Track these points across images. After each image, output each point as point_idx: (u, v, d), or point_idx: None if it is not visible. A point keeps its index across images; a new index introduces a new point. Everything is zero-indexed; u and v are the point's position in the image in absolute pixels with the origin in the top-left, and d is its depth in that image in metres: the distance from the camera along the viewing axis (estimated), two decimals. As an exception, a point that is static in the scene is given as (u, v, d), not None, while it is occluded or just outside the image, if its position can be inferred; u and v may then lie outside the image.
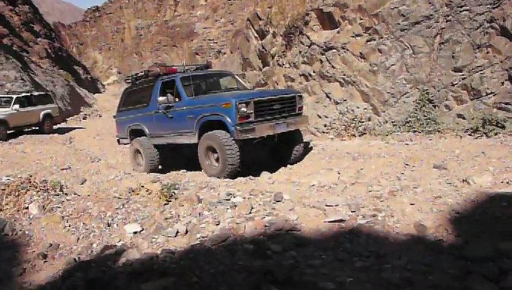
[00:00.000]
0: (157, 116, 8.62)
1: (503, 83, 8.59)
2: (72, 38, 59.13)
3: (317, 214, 4.07)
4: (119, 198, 5.39)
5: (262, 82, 13.52)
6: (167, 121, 8.34)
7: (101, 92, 39.81)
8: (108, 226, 4.62)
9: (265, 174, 7.22)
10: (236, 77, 9.80)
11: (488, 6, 8.86)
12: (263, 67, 13.86)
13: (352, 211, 4.00)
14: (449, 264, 3.01)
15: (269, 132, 7.30)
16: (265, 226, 3.89)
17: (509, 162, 6.36)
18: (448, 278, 2.84)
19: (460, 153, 7.04)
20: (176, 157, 9.78)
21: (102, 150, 13.04)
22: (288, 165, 7.97)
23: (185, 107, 7.89)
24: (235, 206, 4.54)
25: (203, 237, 3.92)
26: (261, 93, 8.17)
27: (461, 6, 9.18)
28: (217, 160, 7.28)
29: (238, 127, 6.90)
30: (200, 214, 4.46)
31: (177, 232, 4.16)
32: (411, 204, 4.05)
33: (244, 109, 6.97)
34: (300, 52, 11.96)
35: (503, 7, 8.63)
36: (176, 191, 5.29)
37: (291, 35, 12.21)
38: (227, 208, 4.49)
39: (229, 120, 6.95)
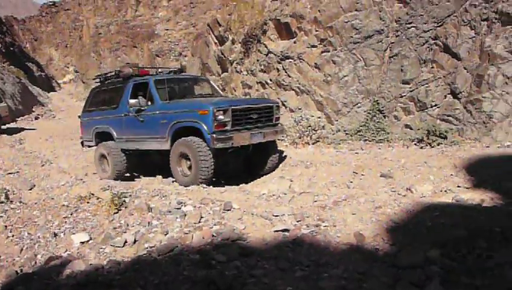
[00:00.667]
0: (127, 120, 8.25)
1: (445, 96, 9.14)
2: (25, 33, 56.79)
3: (264, 223, 4.21)
4: (67, 206, 5.32)
5: (221, 88, 13.61)
6: (138, 125, 7.98)
7: (56, 91, 38.45)
8: (55, 236, 4.56)
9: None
10: (211, 82, 9.59)
11: (433, 24, 9.40)
12: (222, 73, 13.97)
13: (297, 221, 4.17)
14: (382, 272, 3.22)
15: (246, 141, 7.08)
16: (213, 235, 3.98)
17: (448, 171, 6.78)
18: (380, 285, 3.04)
19: (405, 163, 7.41)
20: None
21: (54, 153, 12.62)
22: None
23: (157, 112, 7.57)
24: (185, 215, 4.61)
25: (150, 247, 3.96)
26: (238, 101, 7.97)
27: (409, 23, 9.69)
28: (190, 168, 7.03)
29: (214, 135, 6.67)
30: (149, 223, 4.50)
31: (125, 242, 4.18)
32: (353, 214, 4.27)
33: (222, 117, 6.76)
34: (258, 60, 12.17)
35: (446, 26, 9.21)
36: (126, 200, 5.28)
37: (250, 43, 12.40)
38: (177, 217, 4.55)
39: (205, 127, 6.72)
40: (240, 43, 13.00)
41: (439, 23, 9.44)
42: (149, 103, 7.83)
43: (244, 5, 12.97)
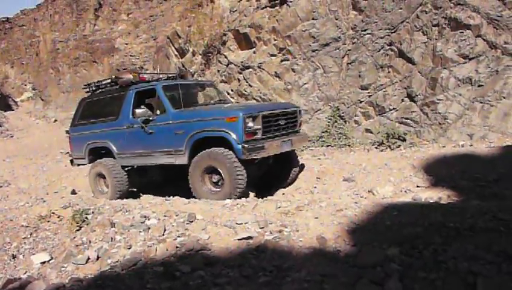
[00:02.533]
0: (131, 132, 7.39)
1: (402, 100, 9.49)
2: (-22, 51, 54.63)
3: (228, 232, 4.22)
4: (27, 227, 5.15)
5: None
6: (145, 137, 7.14)
7: (13, 110, 37.14)
8: (14, 258, 4.41)
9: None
10: (218, 88, 9.03)
11: (388, 31, 9.77)
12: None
13: (260, 228, 4.20)
14: (343, 273, 3.28)
15: (277, 150, 6.53)
16: (177, 247, 3.96)
17: (407, 172, 7.02)
18: (341, 285, 3.10)
19: (366, 166, 7.62)
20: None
21: (13, 174, 12.19)
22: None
23: (170, 121, 6.78)
24: (149, 228, 4.56)
25: (114, 262, 3.90)
26: (266, 106, 7.32)
27: (365, 30, 10.02)
28: (217, 183, 6.37)
29: (245, 145, 6.01)
30: (112, 238, 4.42)
31: (88, 258, 4.09)
32: (315, 218, 4.35)
33: (252, 124, 6.13)
34: (218, 71, 12.24)
35: (400, 32, 9.59)
36: (88, 217, 5.17)
37: (210, 55, 12.47)
38: (141, 231, 4.50)
39: (234, 136, 6.03)
40: (200, 54, 13.05)
41: (393, 30, 9.81)
42: (158, 112, 7.09)
43: (203, 17, 13.06)
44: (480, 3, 8.97)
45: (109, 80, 8.27)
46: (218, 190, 6.34)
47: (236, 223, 4.34)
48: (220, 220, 4.58)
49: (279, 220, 4.39)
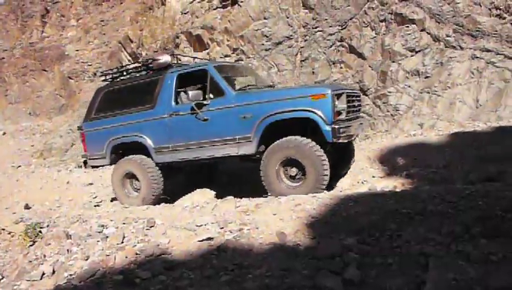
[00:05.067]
0: (176, 121, 6.37)
1: (355, 94, 9.75)
2: None
3: (188, 235, 4.19)
4: (-26, 247, 4.91)
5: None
6: (197, 126, 6.16)
7: (-43, 124, 35.18)
8: (-39, 280, 4.19)
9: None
10: (258, 74, 8.25)
11: (338, 27, 10.02)
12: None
13: (220, 228, 4.20)
14: (303, 266, 3.34)
15: (357, 133, 5.96)
16: (136, 253, 3.89)
17: (363, 164, 7.24)
18: (302, 278, 3.16)
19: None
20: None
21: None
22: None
23: (233, 105, 5.87)
24: (107, 237, 4.45)
25: (70, 274, 3.78)
26: (341, 86, 6.42)
27: (315, 28, 10.23)
28: (294, 177, 5.62)
29: (335, 126, 5.28)
30: (68, 250, 4.28)
31: (43, 274, 3.94)
32: (274, 214, 4.39)
33: (338, 104, 5.42)
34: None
35: (349, 28, 9.87)
36: (43, 230, 4.98)
37: (164, 57, 12.32)
38: (98, 241, 4.38)
39: (322, 117, 5.26)
40: (154, 58, 12.88)
41: (343, 26, 10.08)
42: (211, 96, 6.17)
43: (155, 20, 12.89)
44: (423, -2, 9.38)
45: (137, 64, 7.28)
46: (297, 184, 5.58)
47: (197, 225, 4.32)
48: (180, 223, 4.54)
49: (238, 219, 4.40)
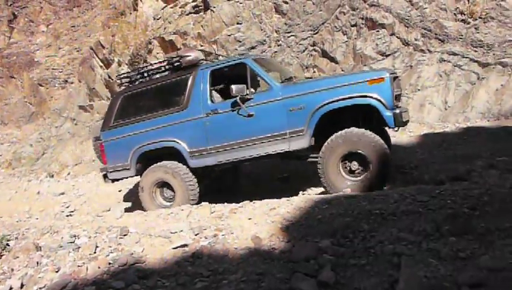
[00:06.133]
0: (215, 120, 5.93)
1: (329, 98, 9.87)
2: None
3: (162, 243, 4.14)
4: None
5: (112, 111, 13.17)
6: (241, 123, 5.75)
7: None
8: None
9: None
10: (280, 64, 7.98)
11: (310, 32, 10.14)
12: (111, 97, 13.47)
13: (195, 235, 4.17)
14: (279, 269, 3.35)
15: (408, 118, 5.71)
16: (109, 263, 3.82)
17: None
18: (277, 282, 3.16)
19: (299, 166, 7.81)
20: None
21: None
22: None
23: (280, 97, 5.51)
24: (79, 248, 4.35)
25: (40, 288, 3.67)
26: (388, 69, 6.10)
27: (288, 32, 10.31)
28: (353, 171, 5.28)
29: (397, 111, 5.04)
30: (38, 263, 4.16)
31: (11, 288, 3.81)
32: (249, 219, 4.40)
33: (395, 88, 5.22)
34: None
35: (321, 33, 10.00)
36: (10, 243, 4.82)
37: (137, 64, 12.16)
38: (70, 251, 4.27)
39: (383, 102, 5.00)
40: (126, 64, 12.70)
41: (316, 31, 10.19)
42: (252, 90, 5.84)
43: (127, 26, 12.73)
44: (392, 4, 9.59)
45: (163, 61, 6.65)
46: (357, 179, 5.24)
47: (171, 232, 4.28)
48: (154, 231, 4.48)
49: (213, 224, 4.38)
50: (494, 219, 3.36)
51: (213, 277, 3.34)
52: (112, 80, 13.13)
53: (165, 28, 11.61)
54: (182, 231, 4.27)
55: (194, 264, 3.59)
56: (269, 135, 5.63)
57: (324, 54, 10.00)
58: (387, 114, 5.03)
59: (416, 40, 9.19)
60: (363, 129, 5.21)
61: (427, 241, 3.32)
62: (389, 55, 9.43)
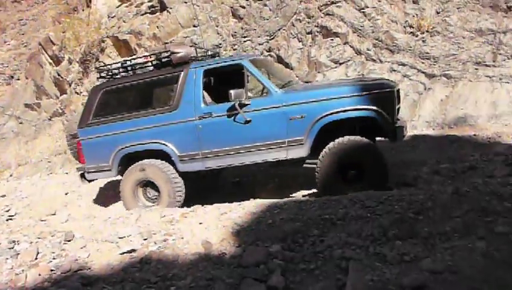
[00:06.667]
0: (209, 124, 5.63)
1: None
2: None
3: (110, 248, 4.00)
4: None
5: (60, 111, 12.61)
6: (238, 129, 5.51)
7: None
8: None
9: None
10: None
11: (266, 37, 10.22)
12: (60, 95, 12.91)
13: (144, 239, 4.07)
14: (229, 274, 3.33)
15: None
16: (51, 270, 3.64)
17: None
18: (227, 287, 3.14)
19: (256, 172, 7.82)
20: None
21: None
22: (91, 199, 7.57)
23: (280, 104, 5.33)
24: (18, 254, 4.11)
25: (-27, 298, 3.44)
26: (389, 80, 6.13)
27: (245, 37, 10.34)
28: (350, 179, 5.26)
29: (400, 125, 5.16)
30: (-30, 272, 3.89)
31: None
32: (200, 223, 4.34)
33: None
34: (98, 79, 11.60)
35: (277, 39, 10.12)
36: None
37: (88, 62, 11.76)
38: (8, 258, 4.03)
39: (385, 115, 5.02)
40: (77, 62, 12.25)
41: (272, 37, 10.29)
42: (249, 95, 5.67)
43: (79, 22, 12.30)
44: (346, 13, 9.85)
45: (150, 55, 6.20)
46: (355, 186, 5.14)
47: (119, 237, 4.14)
48: (101, 236, 4.33)
49: (163, 229, 4.29)
50: (436, 223, 3.50)
51: (161, 283, 3.26)
52: (62, 77, 12.62)
53: (119, 27, 11.31)
54: (130, 235, 4.15)
55: (142, 270, 3.49)
56: (267, 143, 5.47)
57: (279, 60, 10.09)
58: (391, 128, 5.10)
59: (368, 49, 9.48)
60: (361, 137, 5.22)
61: (374, 246, 3.40)
62: (342, 63, 9.67)
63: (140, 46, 11.00)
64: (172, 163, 5.88)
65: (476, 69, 8.40)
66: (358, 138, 5.21)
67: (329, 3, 10.03)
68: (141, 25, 11.06)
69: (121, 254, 3.80)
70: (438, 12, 9.22)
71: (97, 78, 6.61)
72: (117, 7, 12.03)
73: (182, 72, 5.79)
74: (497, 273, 2.70)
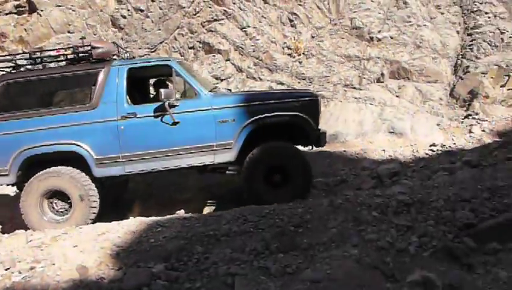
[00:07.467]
0: (132, 125, 5.21)
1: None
2: None
3: (-41, 281, 3.42)
4: None
5: None
6: (164, 131, 5.22)
7: None
8: None
9: None
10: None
11: (147, 50, 10.14)
12: None
13: (6, 269, 3.57)
14: (107, 301, 3.09)
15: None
16: None
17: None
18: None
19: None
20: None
21: None
22: None
23: (209, 107, 5.24)
24: None
25: None
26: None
27: (125, 48, 9.95)
28: (276, 183, 5.33)
29: (324, 131, 5.63)
30: None
31: None
32: (74, 246, 3.97)
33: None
34: None
35: (159, 52, 10.12)
36: None
37: None
38: None
39: (311, 122, 5.37)
40: None
41: (153, 49, 10.10)
42: (178, 97, 5.49)
43: None
44: (228, 31, 10.14)
45: (66, 49, 5.58)
46: (280, 191, 5.29)
47: (-28, 269, 3.58)
48: None
49: (30, 255, 3.82)
50: (315, 235, 3.72)
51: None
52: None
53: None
54: (-11, 265, 3.61)
55: (3, 305, 3.06)
56: (195, 146, 5.32)
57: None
58: (315, 134, 5.45)
59: (249, 67, 9.85)
60: (286, 143, 5.48)
61: (258, 260, 3.48)
62: (224, 79, 9.89)
63: (3, 49, 9.90)
64: (87, 168, 5.31)
65: (346, 90, 9.29)
66: (282, 142, 5.46)
67: (212, 20, 10.23)
68: (5, 25, 9.96)
69: (-26, 288, 3.29)
70: (313, 37, 10.01)
71: None
72: (-25, 4, 10.65)
73: (103, 69, 5.37)
74: (365, 276, 2.97)
